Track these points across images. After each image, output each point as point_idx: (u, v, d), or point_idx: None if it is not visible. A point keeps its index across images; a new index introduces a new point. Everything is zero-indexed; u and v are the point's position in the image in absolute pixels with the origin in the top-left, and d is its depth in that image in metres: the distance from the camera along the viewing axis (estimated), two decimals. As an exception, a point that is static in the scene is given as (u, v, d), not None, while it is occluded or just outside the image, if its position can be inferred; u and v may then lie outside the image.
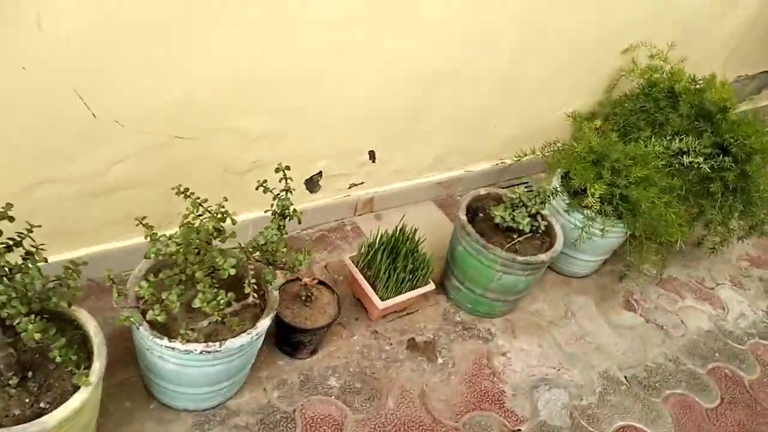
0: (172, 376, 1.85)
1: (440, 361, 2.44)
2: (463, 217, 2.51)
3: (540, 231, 2.51)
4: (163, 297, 1.65)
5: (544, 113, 3.27)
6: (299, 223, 1.92)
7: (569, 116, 3.17)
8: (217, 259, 1.67)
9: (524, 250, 2.48)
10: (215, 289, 1.67)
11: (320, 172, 2.68)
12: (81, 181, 1.99)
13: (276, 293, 1.96)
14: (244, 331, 1.81)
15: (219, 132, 2.21)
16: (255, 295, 1.79)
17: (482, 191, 2.70)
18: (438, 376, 2.38)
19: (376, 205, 3.03)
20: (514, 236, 2.47)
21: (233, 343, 1.76)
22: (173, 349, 1.69)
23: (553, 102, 3.25)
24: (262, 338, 1.95)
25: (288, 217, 1.88)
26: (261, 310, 1.92)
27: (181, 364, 1.77)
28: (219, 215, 1.77)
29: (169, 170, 2.16)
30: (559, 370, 2.55)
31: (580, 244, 2.68)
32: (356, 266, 2.45)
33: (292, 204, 1.88)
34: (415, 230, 2.53)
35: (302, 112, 2.37)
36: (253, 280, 1.78)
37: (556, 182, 2.77)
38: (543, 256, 2.42)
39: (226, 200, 1.82)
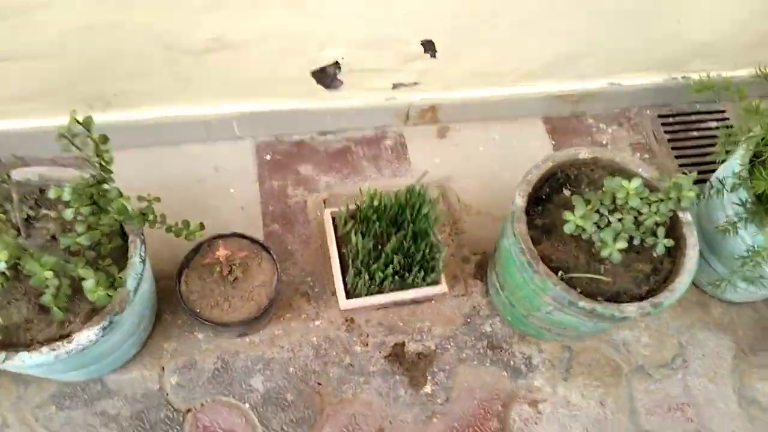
0: None
1: (428, 389, 1.65)
2: (519, 201, 1.49)
3: (657, 246, 1.41)
4: None
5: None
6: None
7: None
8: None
9: (615, 278, 1.44)
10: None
11: (336, 63, 1.75)
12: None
13: (128, 288, 1.28)
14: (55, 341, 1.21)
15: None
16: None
17: (583, 153, 1.58)
18: (415, 413, 1.61)
19: (443, 114, 2.03)
20: (603, 254, 1.41)
21: (23, 359, 1.18)
22: None
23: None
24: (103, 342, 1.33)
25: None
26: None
27: None
28: None
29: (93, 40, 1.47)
30: (616, 456, 1.62)
31: (753, 278, 1.53)
32: (336, 229, 1.62)
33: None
34: (432, 203, 1.59)
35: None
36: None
37: (737, 162, 1.53)
38: (630, 309, 1.37)
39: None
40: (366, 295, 1.54)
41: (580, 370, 1.71)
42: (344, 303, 1.52)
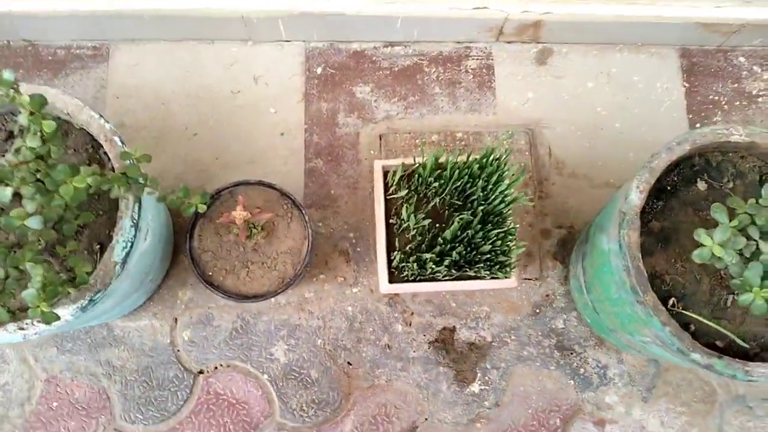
0: None
1: (476, 387, 1.39)
2: (634, 197, 1.10)
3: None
4: None
5: None
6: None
7: None
8: None
9: (744, 318, 1.08)
10: None
11: (415, -40, 1.30)
12: None
13: (115, 259, 1.02)
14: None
15: None
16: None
17: (737, 135, 1.14)
18: (456, 413, 1.37)
19: (548, 33, 1.56)
20: (741, 301, 1.04)
21: None
22: None
23: None
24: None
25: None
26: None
27: None
28: None
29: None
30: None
31: None
32: (387, 187, 1.28)
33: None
34: (515, 179, 1.20)
35: None
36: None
37: None
38: (761, 372, 1.02)
39: None
40: (413, 281, 1.23)
41: (664, 390, 1.40)
42: (385, 287, 1.22)
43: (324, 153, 1.52)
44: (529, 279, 1.44)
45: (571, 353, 1.40)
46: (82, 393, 1.37)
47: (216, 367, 1.39)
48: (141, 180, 0.95)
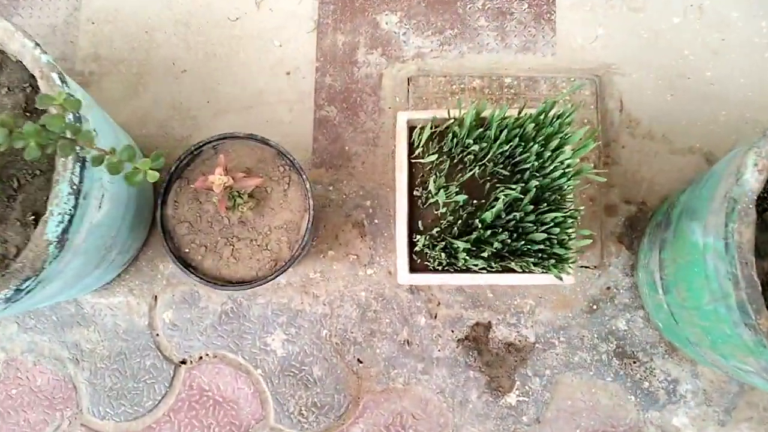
0: None
1: (513, 398, 1.14)
2: (750, 177, 0.79)
3: None
4: None
5: None
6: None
7: None
8: None
9: None
10: None
11: None
12: None
13: (47, 237, 0.77)
14: None
15: None
16: None
17: None
18: (488, 429, 1.13)
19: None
20: None
21: None
22: None
23: None
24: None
25: None
26: None
27: None
28: None
29: None
30: None
31: None
32: (411, 152, 1.00)
33: None
34: (575, 149, 0.90)
35: None
36: None
37: None
38: None
39: None
40: (441, 271, 0.96)
41: (747, 414, 1.12)
42: (405, 277, 0.96)
43: (338, 99, 1.23)
44: (586, 267, 1.16)
45: (634, 362, 1.13)
46: (45, 380, 1.16)
47: (201, 357, 1.16)
48: (68, 135, 0.69)
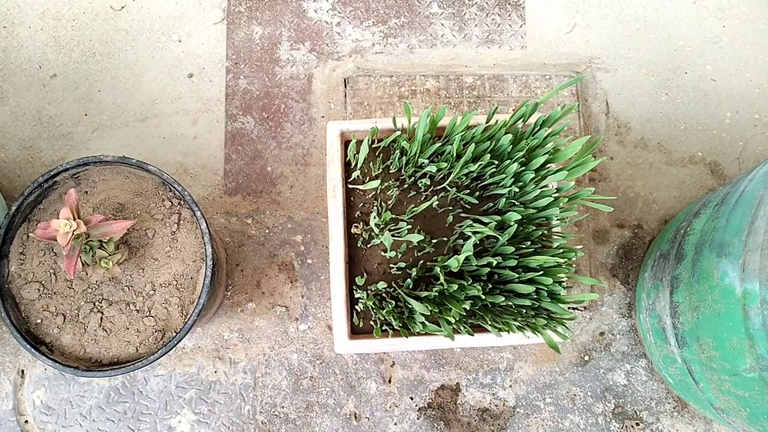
0: None
1: (491, 479, 0.89)
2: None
3: None
4: None
5: None
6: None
7: None
8: None
9: None
10: None
11: None
12: None
13: None
14: None
15: None
16: None
17: None
18: None
19: None
20: None
21: None
22: None
23: None
24: None
25: None
26: None
27: None
28: None
29: None
30: None
31: None
32: (349, 173, 0.75)
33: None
34: (571, 166, 0.66)
35: None
36: None
37: None
38: None
39: None
40: (390, 333, 0.71)
41: (780, 481, 0.90)
42: (342, 343, 0.70)
43: (257, 106, 0.96)
44: (574, 308, 0.92)
45: (637, 424, 0.90)
46: None
47: (81, 450, 0.88)
48: None
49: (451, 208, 0.71)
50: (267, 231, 0.93)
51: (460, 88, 0.96)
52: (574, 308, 0.92)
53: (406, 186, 0.72)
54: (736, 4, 1.02)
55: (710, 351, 0.71)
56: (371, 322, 0.73)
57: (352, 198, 0.75)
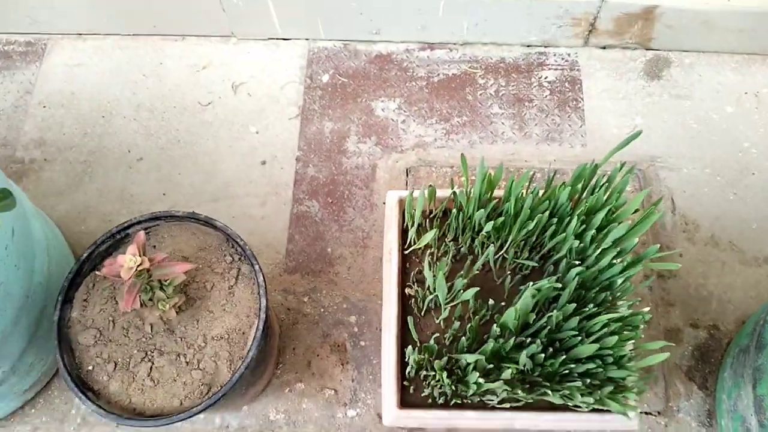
0: None
1: None
2: None
3: None
4: None
5: None
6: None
7: None
8: None
9: None
10: None
11: None
12: None
13: None
14: None
15: None
16: None
17: None
18: None
19: (663, 32, 1.05)
20: None
21: None
22: None
23: None
24: None
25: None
26: None
27: None
28: None
29: None
30: None
31: None
32: (406, 234, 0.75)
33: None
34: (632, 225, 0.64)
35: None
36: None
37: None
38: None
39: None
40: (443, 405, 0.66)
41: None
42: (391, 414, 0.66)
43: (322, 192, 1.01)
44: (647, 413, 0.84)
45: None
46: None
47: None
48: None
49: (509, 272, 0.69)
50: (322, 310, 0.93)
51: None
52: (646, 413, 0.84)
53: (461, 249, 0.71)
54: (801, 109, 1.02)
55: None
56: (421, 394, 0.69)
57: (408, 264, 0.75)
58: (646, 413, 0.84)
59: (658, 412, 0.84)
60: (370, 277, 0.94)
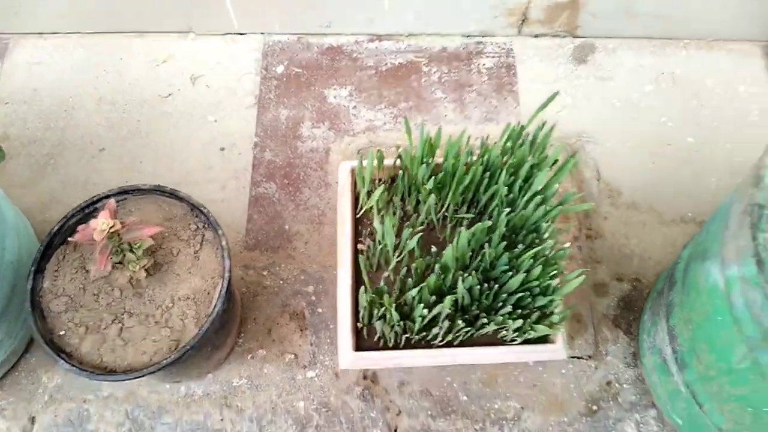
0: None
1: None
2: (775, 183, 0.62)
3: None
4: None
5: None
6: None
7: None
8: None
9: None
10: None
11: None
12: None
13: None
14: None
15: None
16: None
17: None
18: None
19: (587, 20, 1.16)
20: None
21: None
22: None
23: None
24: None
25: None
26: None
27: None
28: None
29: None
30: None
31: None
32: (357, 200, 0.82)
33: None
34: (554, 173, 0.74)
35: None
36: None
37: None
38: None
39: None
40: (394, 345, 0.74)
41: None
42: (348, 357, 0.73)
43: (279, 175, 1.07)
44: (578, 357, 0.93)
45: (657, 481, 0.86)
46: None
47: (83, 495, 0.86)
48: None
49: (450, 223, 0.77)
50: (281, 282, 0.99)
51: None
52: (578, 357, 0.93)
53: (408, 211, 0.79)
54: (710, 87, 1.14)
55: (706, 358, 0.71)
56: (374, 340, 0.76)
57: (359, 227, 0.82)
58: (577, 357, 0.93)
59: (589, 356, 0.93)
60: (326, 251, 1.01)
